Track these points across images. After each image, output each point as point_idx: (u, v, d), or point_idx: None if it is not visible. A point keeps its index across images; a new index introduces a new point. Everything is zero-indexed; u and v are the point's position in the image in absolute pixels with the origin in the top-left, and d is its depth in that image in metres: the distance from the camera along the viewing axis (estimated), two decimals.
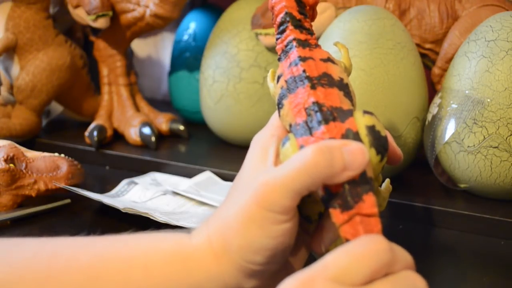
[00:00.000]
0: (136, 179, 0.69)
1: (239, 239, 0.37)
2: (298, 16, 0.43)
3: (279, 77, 0.42)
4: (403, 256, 0.35)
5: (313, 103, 0.38)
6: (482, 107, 0.61)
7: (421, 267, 0.55)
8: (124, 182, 0.68)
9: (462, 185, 0.65)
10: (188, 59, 0.89)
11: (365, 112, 0.38)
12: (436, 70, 0.72)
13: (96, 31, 0.84)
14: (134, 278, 0.37)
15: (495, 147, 0.61)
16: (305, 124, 0.38)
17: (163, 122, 0.83)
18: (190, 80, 0.88)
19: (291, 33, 0.42)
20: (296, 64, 0.40)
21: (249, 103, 0.77)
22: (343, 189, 0.36)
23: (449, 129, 0.63)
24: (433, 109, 0.66)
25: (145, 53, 1.02)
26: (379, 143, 0.37)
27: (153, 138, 0.79)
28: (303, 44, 0.42)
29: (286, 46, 0.42)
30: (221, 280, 0.38)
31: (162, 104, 0.96)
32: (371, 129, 0.37)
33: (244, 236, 0.37)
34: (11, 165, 0.61)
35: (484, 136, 0.61)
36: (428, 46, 0.72)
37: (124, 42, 0.82)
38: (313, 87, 0.39)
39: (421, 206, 0.63)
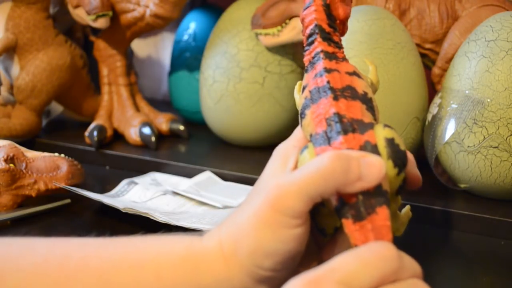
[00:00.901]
0: (136, 179, 0.69)
1: (250, 242, 0.37)
2: (328, 29, 0.43)
3: (304, 88, 0.42)
4: (411, 264, 0.35)
5: (334, 113, 0.38)
6: (482, 107, 0.61)
7: (421, 267, 0.55)
8: (124, 182, 0.68)
9: (462, 185, 0.65)
10: (188, 59, 0.89)
11: (386, 125, 0.38)
12: (436, 70, 0.72)
13: (96, 31, 0.84)
14: (145, 282, 0.37)
15: (495, 147, 0.61)
16: (325, 134, 0.38)
17: (163, 122, 0.83)
18: (190, 80, 0.88)
19: (319, 45, 0.42)
20: (321, 75, 0.41)
21: (249, 103, 0.77)
22: (356, 199, 0.36)
23: (449, 129, 0.63)
24: (433, 109, 0.66)
25: (145, 53, 1.02)
26: (397, 156, 0.37)
27: (153, 138, 0.79)
28: (330, 56, 0.42)
29: (313, 57, 0.42)
30: (230, 285, 0.38)
31: (162, 104, 0.96)
32: (390, 142, 0.37)
33: (255, 239, 0.37)
34: (11, 165, 0.61)
35: (484, 136, 0.61)
36: (428, 46, 0.72)
37: (124, 42, 0.82)
38: (335, 98, 0.39)
39: (421, 206, 0.63)
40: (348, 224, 0.35)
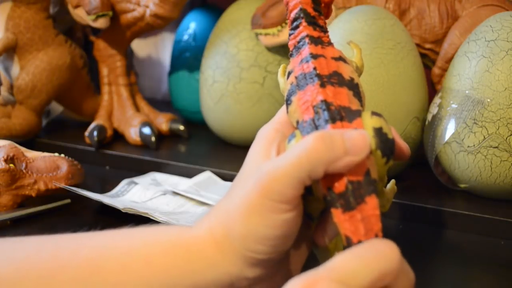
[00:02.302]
0: (136, 179, 0.69)
1: (241, 229, 0.37)
2: (313, 13, 0.43)
3: (289, 73, 0.42)
4: (409, 271, 0.35)
5: (321, 101, 0.38)
6: (482, 107, 0.61)
7: (421, 267, 0.54)
8: (124, 182, 0.68)
9: (462, 185, 0.65)
10: (188, 59, 0.89)
11: (373, 113, 0.38)
12: (436, 70, 0.72)
13: (96, 31, 0.84)
14: (135, 268, 0.37)
15: (495, 147, 0.61)
16: (312, 122, 0.38)
17: (163, 122, 0.83)
18: (190, 80, 0.88)
19: (304, 30, 0.42)
20: (307, 61, 0.40)
21: (249, 103, 0.77)
22: (346, 188, 0.35)
23: (449, 129, 0.63)
24: (433, 109, 0.66)
25: (145, 53, 1.02)
26: (385, 145, 0.37)
27: (153, 138, 0.79)
28: (315, 41, 0.42)
29: (298, 42, 0.42)
30: (224, 268, 0.38)
31: (162, 104, 0.95)
32: (378, 131, 0.37)
33: (246, 226, 0.37)
34: (11, 165, 0.61)
35: (484, 136, 0.61)
36: (428, 46, 0.72)
37: (124, 42, 0.82)
38: (322, 85, 0.39)
39: (421, 206, 0.63)
40: (337, 214, 0.35)
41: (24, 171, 0.62)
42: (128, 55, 0.84)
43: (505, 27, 0.62)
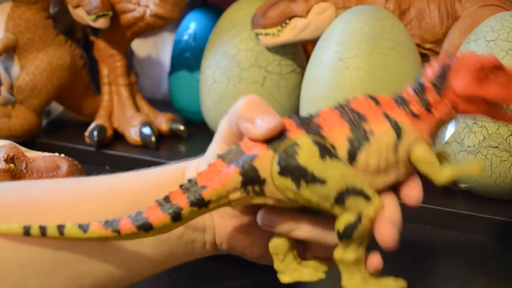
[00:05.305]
0: None
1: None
2: (409, 96, 0.40)
3: None
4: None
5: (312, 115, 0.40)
6: None
7: (421, 267, 0.55)
8: None
9: (462, 185, 0.65)
10: (188, 59, 0.89)
11: (316, 143, 0.37)
12: None
13: (96, 31, 0.84)
14: (146, 189, 0.43)
15: (495, 147, 0.61)
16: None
17: (163, 122, 0.83)
18: (190, 80, 0.88)
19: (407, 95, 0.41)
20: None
21: None
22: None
23: (449, 129, 0.63)
24: None
25: (145, 53, 1.02)
26: (287, 163, 0.37)
27: (153, 138, 0.79)
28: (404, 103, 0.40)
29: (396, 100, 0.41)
30: None
31: (162, 104, 0.95)
32: (291, 147, 0.37)
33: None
34: (11, 165, 0.61)
35: (484, 136, 0.61)
36: (428, 46, 0.72)
37: (124, 42, 0.82)
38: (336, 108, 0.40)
39: (421, 206, 0.63)
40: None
41: (24, 171, 0.62)
42: (128, 55, 0.84)
43: (505, 27, 0.62)
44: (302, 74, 0.75)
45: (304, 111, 0.69)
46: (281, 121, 0.38)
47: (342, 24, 0.66)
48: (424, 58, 0.73)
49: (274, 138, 0.37)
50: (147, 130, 0.79)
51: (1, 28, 0.78)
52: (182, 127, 0.83)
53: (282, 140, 0.37)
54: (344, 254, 0.38)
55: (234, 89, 0.77)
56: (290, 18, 0.73)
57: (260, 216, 0.40)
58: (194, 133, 0.84)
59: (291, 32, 0.74)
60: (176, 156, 0.77)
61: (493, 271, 0.55)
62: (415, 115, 0.40)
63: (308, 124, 0.38)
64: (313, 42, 0.74)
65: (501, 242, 0.59)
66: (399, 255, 0.55)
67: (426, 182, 0.68)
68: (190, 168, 0.45)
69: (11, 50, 0.78)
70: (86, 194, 0.42)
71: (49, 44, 0.79)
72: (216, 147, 0.42)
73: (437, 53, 0.72)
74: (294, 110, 0.77)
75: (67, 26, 0.89)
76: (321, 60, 0.67)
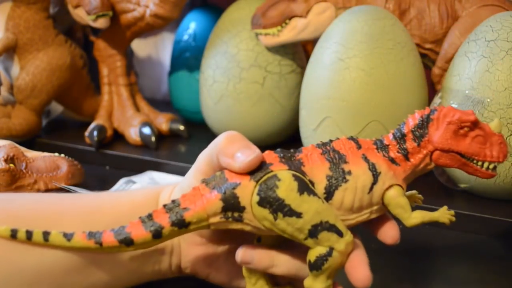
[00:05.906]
0: (134, 178, 0.69)
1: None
2: (391, 142, 0.43)
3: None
4: None
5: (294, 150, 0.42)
6: (482, 107, 0.61)
7: (422, 267, 0.54)
8: (122, 181, 0.68)
9: (462, 185, 0.65)
10: (188, 59, 0.89)
11: (299, 182, 0.39)
12: (436, 70, 0.72)
13: (96, 31, 0.84)
14: (124, 208, 0.44)
15: None
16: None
17: (163, 122, 0.83)
18: (190, 80, 0.88)
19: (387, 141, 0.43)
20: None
21: (249, 103, 0.77)
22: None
23: None
24: None
25: (145, 53, 1.02)
26: (266, 195, 0.39)
27: (153, 138, 0.79)
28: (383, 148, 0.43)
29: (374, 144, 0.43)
30: None
31: (162, 104, 0.95)
32: (271, 179, 0.39)
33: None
34: (11, 165, 0.61)
35: None
36: (428, 46, 0.72)
37: (124, 42, 0.82)
38: (318, 147, 0.42)
39: (421, 206, 0.63)
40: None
41: (24, 171, 0.62)
42: (128, 55, 0.84)
43: (505, 27, 0.62)
44: (302, 74, 0.75)
45: (304, 111, 0.69)
46: (260, 155, 0.40)
47: (342, 24, 0.66)
48: (424, 58, 0.73)
49: (257, 170, 0.39)
50: (147, 130, 0.79)
51: (1, 28, 0.78)
52: (182, 127, 0.83)
53: (265, 172, 0.39)
54: (313, 284, 0.40)
55: (234, 89, 0.77)
56: (290, 18, 0.73)
57: (239, 254, 0.42)
58: (194, 133, 0.84)
59: (291, 32, 0.74)
60: (176, 156, 0.77)
61: (493, 271, 0.55)
62: (392, 160, 0.42)
63: (291, 159, 0.40)
64: (313, 42, 0.74)
65: (501, 242, 0.59)
66: (399, 255, 0.55)
67: (426, 181, 0.68)
68: (163, 194, 0.46)
69: (11, 50, 0.78)
70: (67, 211, 0.44)
71: (49, 44, 0.79)
72: (191, 178, 0.43)
73: (437, 53, 0.72)
74: (294, 110, 0.77)
75: (67, 26, 0.89)
76: (321, 60, 0.67)
